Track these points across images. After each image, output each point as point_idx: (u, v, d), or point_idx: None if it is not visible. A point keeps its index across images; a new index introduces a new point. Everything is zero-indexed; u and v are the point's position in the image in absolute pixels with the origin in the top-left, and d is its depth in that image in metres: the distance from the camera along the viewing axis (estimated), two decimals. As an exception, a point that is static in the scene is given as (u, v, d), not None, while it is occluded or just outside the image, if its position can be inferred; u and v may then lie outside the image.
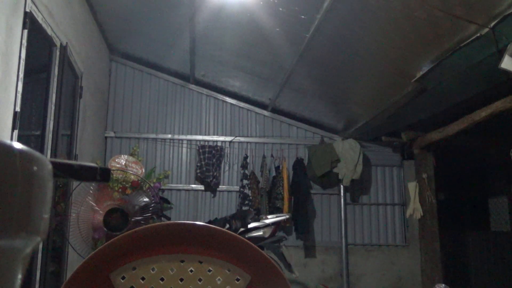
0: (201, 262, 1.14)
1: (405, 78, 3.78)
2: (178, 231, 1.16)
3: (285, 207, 5.54)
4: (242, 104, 6.11)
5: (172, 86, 6.07)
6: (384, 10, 3.08)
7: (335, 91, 5.08)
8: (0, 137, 2.48)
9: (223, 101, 6.11)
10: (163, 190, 5.64)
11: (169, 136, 5.94)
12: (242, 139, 6.02)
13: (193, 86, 6.08)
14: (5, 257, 0.36)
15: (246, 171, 5.73)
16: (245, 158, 5.83)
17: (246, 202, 5.56)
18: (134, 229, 1.10)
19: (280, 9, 3.50)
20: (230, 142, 6.00)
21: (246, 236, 3.93)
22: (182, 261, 1.14)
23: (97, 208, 3.60)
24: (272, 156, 5.95)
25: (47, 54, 3.38)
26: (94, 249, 3.34)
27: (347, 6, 3.21)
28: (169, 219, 4.83)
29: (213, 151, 5.80)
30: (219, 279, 1.14)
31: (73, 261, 3.89)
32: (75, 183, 3.68)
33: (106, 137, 5.78)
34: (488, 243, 6.56)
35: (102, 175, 0.61)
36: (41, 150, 3.23)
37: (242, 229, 4.00)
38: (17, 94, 2.65)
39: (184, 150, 5.94)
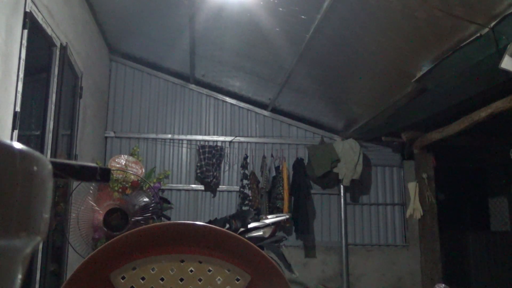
0: (201, 262, 1.14)
1: (405, 78, 3.78)
2: (178, 231, 1.16)
3: (285, 207, 5.54)
4: (242, 104, 6.11)
5: (172, 86, 6.07)
6: (384, 10, 3.08)
7: (335, 91, 5.08)
8: (0, 137, 2.48)
9: (223, 101, 6.11)
10: (163, 190, 5.64)
11: (169, 136, 5.94)
12: (242, 139, 6.02)
13: (193, 86, 6.08)
14: (5, 257, 0.36)
15: (246, 171, 5.73)
16: (245, 158, 5.83)
17: (246, 202, 5.55)
18: (134, 229, 1.10)
19: (280, 9, 3.50)
20: (230, 142, 6.00)
21: (246, 236, 3.93)
22: (182, 261, 1.13)
23: (97, 208, 3.60)
24: (272, 156, 5.95)
25: (47, 54, 3.38)
26: (94, 249, 3.34)
27: (347, 6, 3.20)
28: (169, 219, 4.82)
29: (213, 151, 5.80)
30: (219, 279, 1.14)
31: (73, 261, 3.89)
32: (75, 183, 3.67)
33: (106, 137, 5.78)
34: (488, 243, 6.56)
35: (102, 175, 0.61)
36: (41, 150, 3.23)
37: (242, 229, 4.00)
38: (17, 94, 2.65)
39: (184, 150, 5.94)
